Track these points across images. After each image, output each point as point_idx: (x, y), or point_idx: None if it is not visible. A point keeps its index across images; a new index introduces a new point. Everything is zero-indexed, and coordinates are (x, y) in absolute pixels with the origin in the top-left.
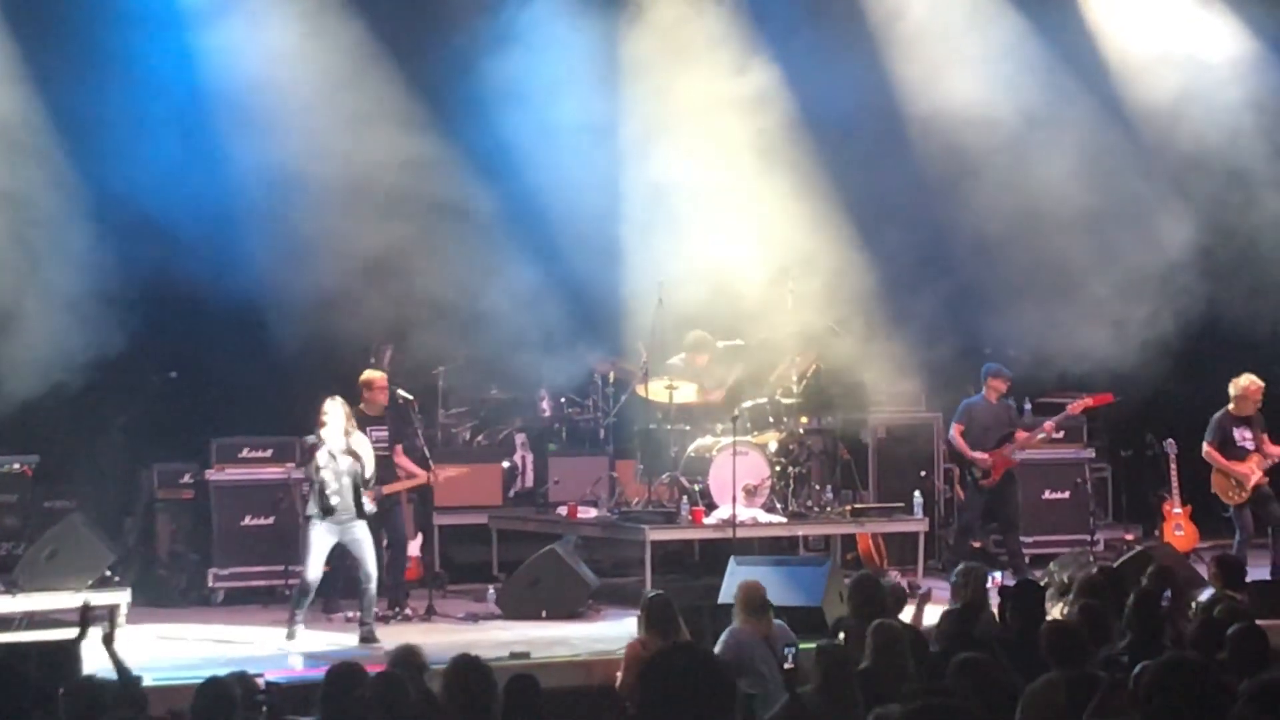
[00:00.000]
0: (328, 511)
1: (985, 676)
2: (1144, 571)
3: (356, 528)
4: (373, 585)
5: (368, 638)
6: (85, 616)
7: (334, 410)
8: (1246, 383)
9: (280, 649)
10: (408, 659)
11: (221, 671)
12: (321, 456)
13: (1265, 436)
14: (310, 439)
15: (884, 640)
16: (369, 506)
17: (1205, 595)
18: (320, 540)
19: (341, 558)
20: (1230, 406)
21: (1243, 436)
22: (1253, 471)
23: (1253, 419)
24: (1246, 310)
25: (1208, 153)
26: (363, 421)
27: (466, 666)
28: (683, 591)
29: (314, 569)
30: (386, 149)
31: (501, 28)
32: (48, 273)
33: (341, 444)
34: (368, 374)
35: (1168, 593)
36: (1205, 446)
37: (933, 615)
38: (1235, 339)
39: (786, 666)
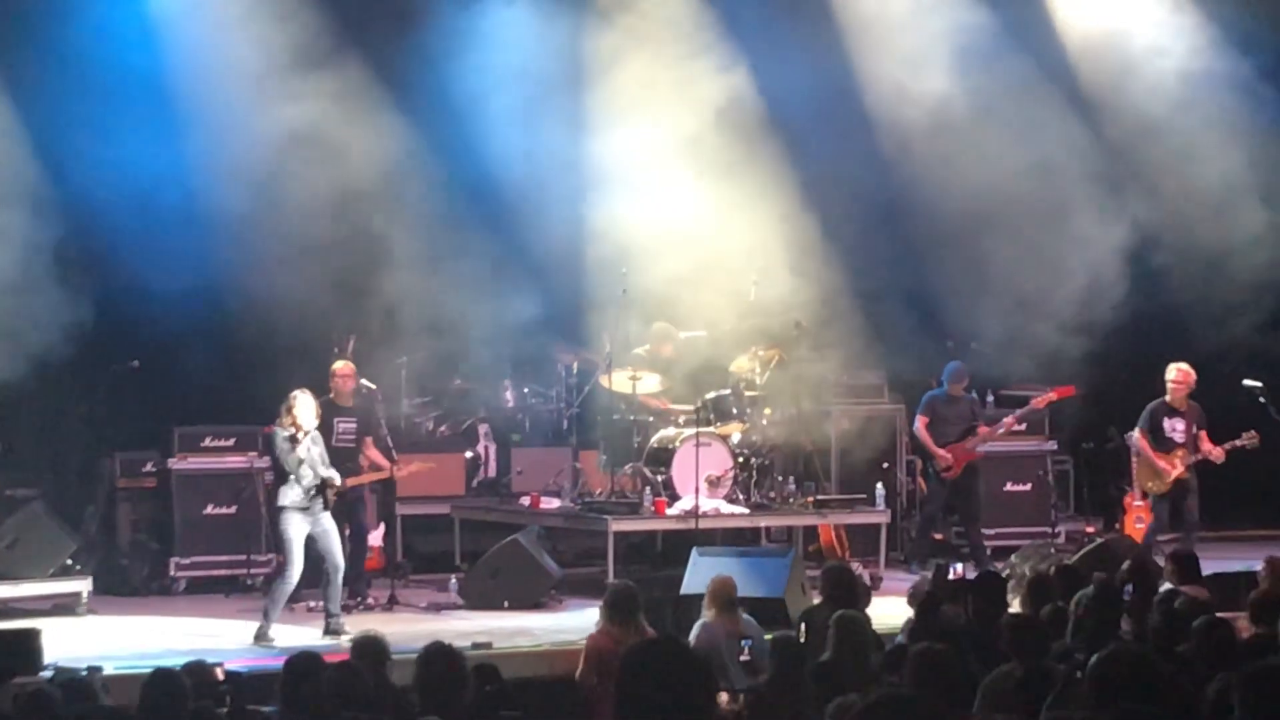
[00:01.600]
0: (313, 497)
1: (942, 667)
2: (1102, 564)
3: (325, 518)
4: (340, 576)
5: (336, 630)
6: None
7: (305, 400)
8: (1174, 372)
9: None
10: (369, 647)
11: (180, 661)
12: (301, 447)
13: (1204, 433)
14: (283, 432)
15: (847, 631)
16: (332, 497)
17: (1165, 588)
18: (300, 533)
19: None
20: (1165, 396)
21: (1173, 428)
22: (1174, 466)
23: (1189, 412)
24: (1209, 302)
25: (1158, 136)
26: (332, 412)
27: (440, 654)
28: (645, 582)
29: (299, 564)
30: (346, 138)
31: (465, 16)
32: (6, 261)
33: (312, 430)
34: (337, 364)
35: (1129, 587)
36: (1135, 434)
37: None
38: (1199, 331)
39: (743, 659)
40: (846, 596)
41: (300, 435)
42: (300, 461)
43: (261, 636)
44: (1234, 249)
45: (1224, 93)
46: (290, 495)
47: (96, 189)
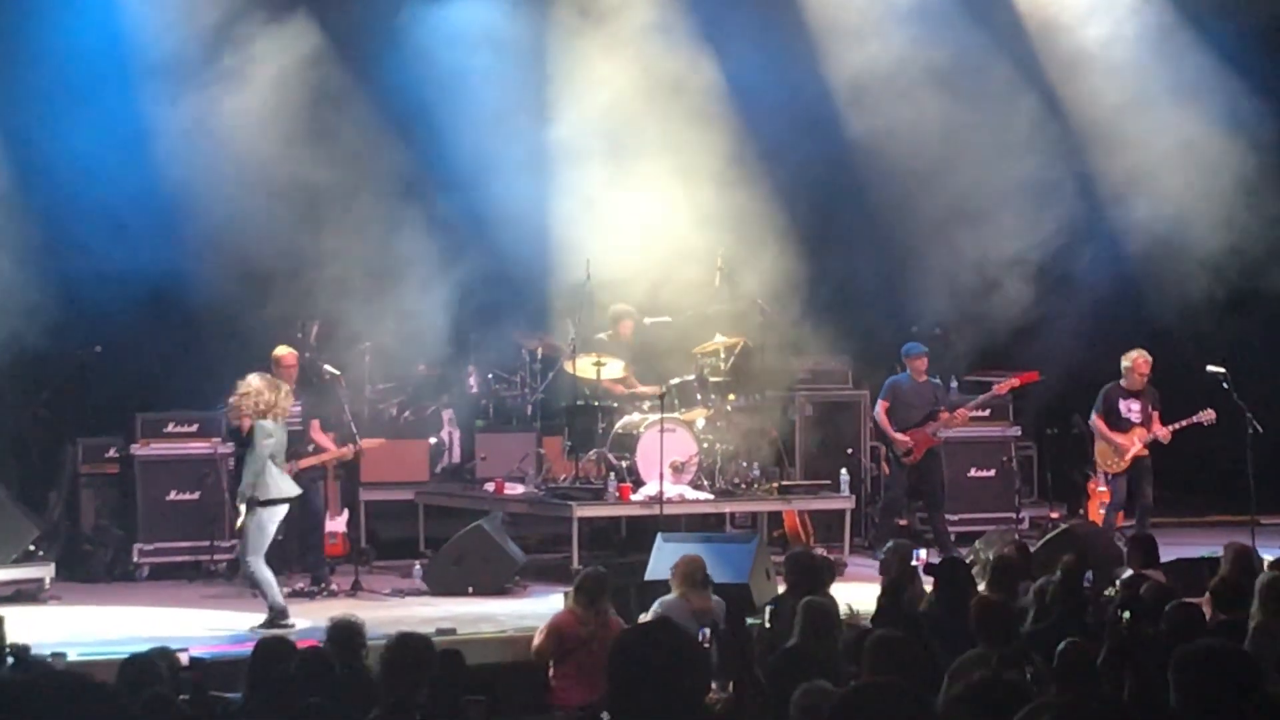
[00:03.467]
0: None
1: (899, 654)
2: (1066, 550)
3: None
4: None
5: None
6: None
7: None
8: (1135, 356)
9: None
10: (344, 632)
11: (144, 647)
12: (270, 439)
13: (1156, 414)
14: (268, 423)
15: (813, 617)
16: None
17: (1127, 574)
18: (274, 523)
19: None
20: (1121, 380)
21: (1128, 409)
22: (1132, 443)
23: (1143, 393)
24: (1173, 287)
25: (1122, 119)
26: None
27: (407, 642)
28: (610, 568)
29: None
30: (307, 123)
31: (434, 4)
32: None
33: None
34: (277, 350)
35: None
36: (1092, 416)
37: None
38: (1161, 317)
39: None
40: (811, 582)
41: (274, 420)
42: (272, 454)
43: (279, 617)
44: (1198, 233)
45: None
46: (261, 489)
47: (54, 172)
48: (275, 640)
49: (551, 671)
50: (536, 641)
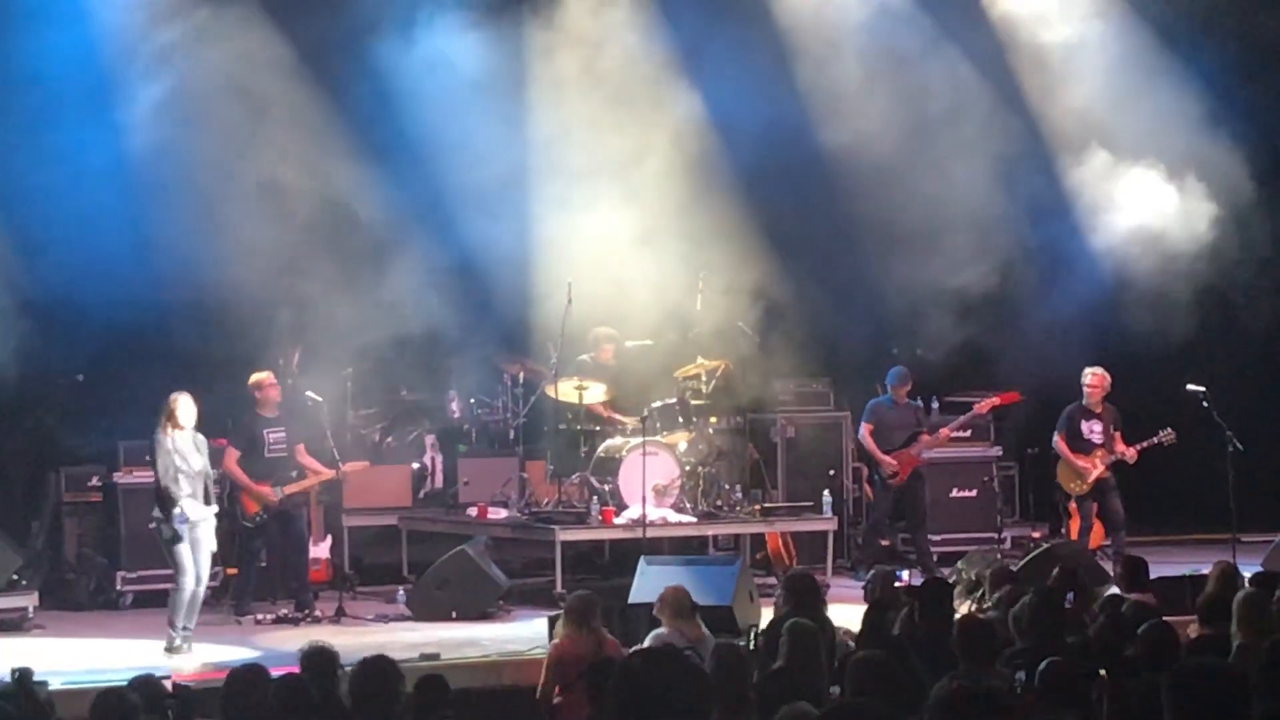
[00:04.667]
0: (184, 514)
1: (882, 675)
2: (1048, 569)
3: (201, 527)
4: (203, 589)
5: (177, 648)
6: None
7: (186, 406)
8: (1089, 375)
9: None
10: (319, 659)
11: (127, 676)
12: (176, 457)
13: (1118, 434)
14: (168, 440)
15: (799, 639)
16: (213, 504)
17: (1110, 591)
18: (187, 543)
19: (254, 559)
20: (1083, 399)
21: (1090, 429)
22: (1094, 466)
23: (1104, 414)
24: (1156, 308)
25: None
26: (261, 424)
27: (374, 667)
28: (593, 592)
29: (192, 570)
30: (290, 147)
31: (410, 31)
32: None
33: (189, 439)
34: (256, 376)
35: (1070, 594)
36: (1055, 437)
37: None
38: (1144, 338)
39: None
40: (811, 604)
41: (181, 442)
42: (179, 472)
43: (171, 649)
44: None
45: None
46: (176, 513)
47: (31, 201)
48: (250, 669)
49: (558, 699)
50: (542, 680)
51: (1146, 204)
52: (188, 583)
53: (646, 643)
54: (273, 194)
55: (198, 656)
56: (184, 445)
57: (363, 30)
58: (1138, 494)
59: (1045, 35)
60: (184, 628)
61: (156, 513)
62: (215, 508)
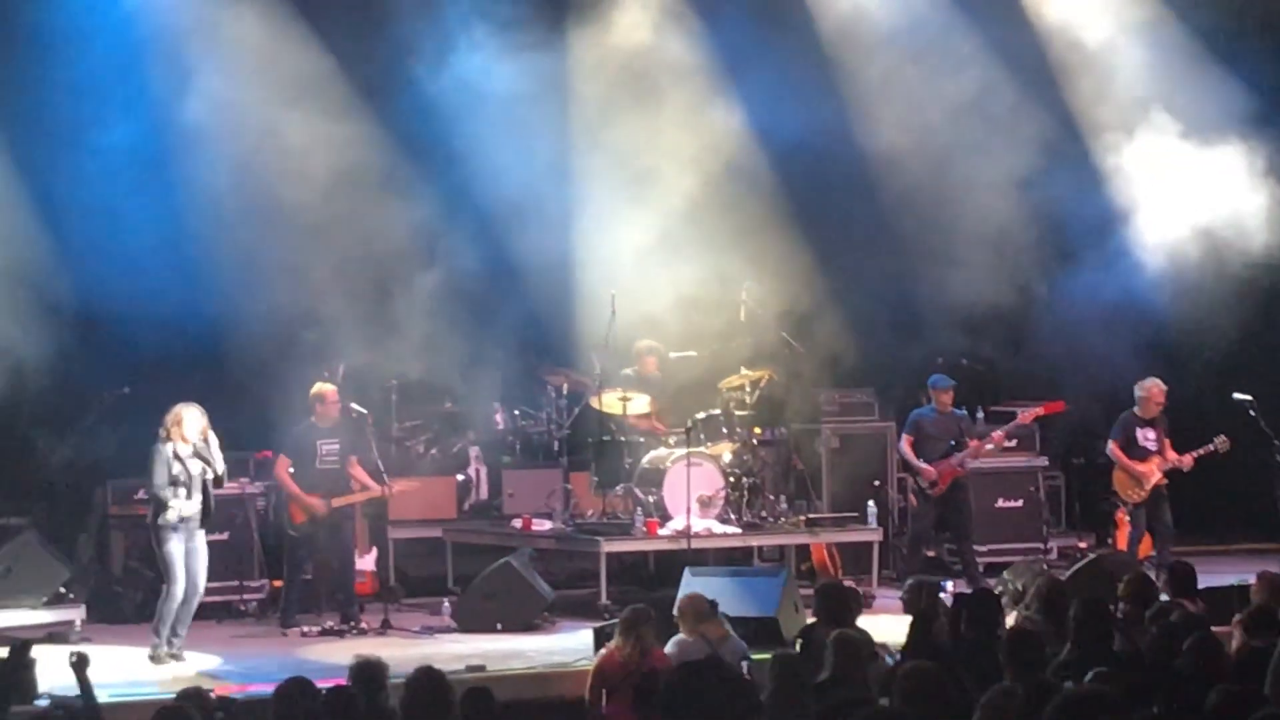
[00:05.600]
0: (188, 516)
1: (930, 686)
2: (1095, 580)
3: (199, 536)
4: (197, 599)
5: (176, 655)
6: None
7: (192, 417)
8: (1149, 385)
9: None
10: (367, 671)
11: (172, 689)
12: (175, 465)
13: (1169, 442)
14: (166, 448)
15: (844, 650)
16: (208, 513)
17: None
18: (180, 550)
19: (300, 571)
20: (1136, 408)
21: (1145, 437)
22: (1152, 472)
23: (1157, 421)
24: (1200, 317)
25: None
26: (315, 434)
27: (426, 679)
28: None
29: (183, 580)
30: (334, 162)
31: (450, 43)
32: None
33: (190, 450)
34: (319, 387)
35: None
36: (1110, 444)
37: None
38: (1186, 347)
39: None
40: (841, 613)
41: (180, 453)
42: (175, 480)
43: (156, 657)
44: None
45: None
46: (165, 515)
47: (80, 214)
48: (297, 681)
49: (604, 708)
50: (587, 687)
51: (1194, 209)
52: (177, 591)
53: (666, 649)
54: (321, 211)
55: (192, 665)
56: (185, 454)
57: (405, 43)
58: (1185, 503)
59: (1087, 38)
60: (174, 636)
61: (149, 519)
62: (199, 514)
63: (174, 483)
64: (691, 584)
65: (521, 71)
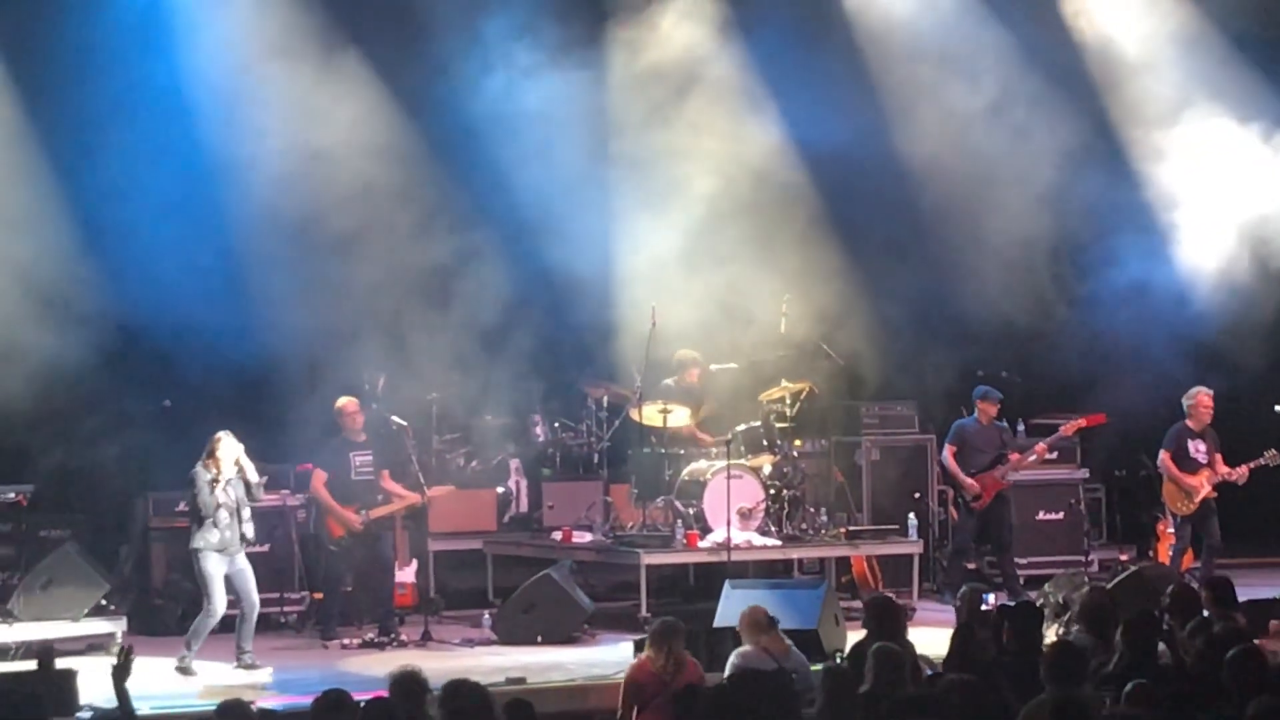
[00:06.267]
0: (229, 539)
1: (973, 698)
2: (1137, 592)
3: (240, 558)
4: (254, 615)
5: (249, 665)
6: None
7: (230, 444)
8: (1197, 394)
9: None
10: (408, 683)
11: (213, 701)
12: (220, 492)
13: (1219, 455)
14: (205, 474)
15: (885, 662)
16: (251, 535)
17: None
18: (219, 571)
19: (340, 583)
20: (1187, 419)
21: (1196, 449)
22: (1202, 485)
23: (1207, 433)
24: (1243, 325)
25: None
26: (349, 447)
27: (461, 689)
28: (678, 616)
29: (221, 600)
30: (373, 174)
31: (488, 55)
32: (43, 300)
33: (231, 474)
34: (340, 401)
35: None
36: (1161, 455)
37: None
38: (1233, 359)
39: None
40: (891, 627)
41: (220, 478)
42: (218, 505)
43: (183, 669)
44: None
45: None
46: (206, 538)
47: (123, 228)
48: (336, 694)
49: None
50: (620, 700)
51: (1235, 214)
52: (215, 609)
53: (730, 661)
54: (358, 220)
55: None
56: (222, 480)
57: (447, 58)
58: (1225, 516)
59: (1126, 46)
60: (242, 652)
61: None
62: (252, 536)
63: (218, 507)
64: (732, 596)
65: (559, 82)
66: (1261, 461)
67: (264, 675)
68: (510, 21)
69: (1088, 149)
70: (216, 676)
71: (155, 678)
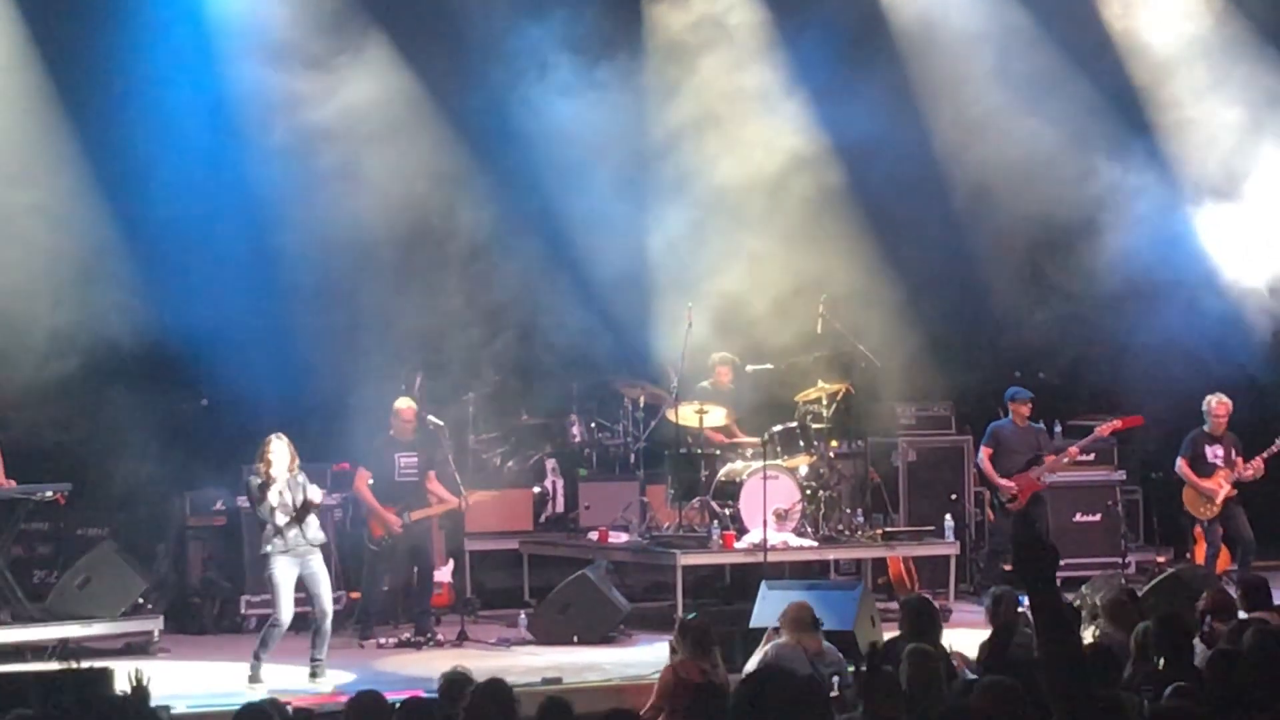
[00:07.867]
0: (296, 540)
1: (1009, 701)
2: (1174, 595)
3: (314, 560)
4: (328, 622)
5: (316, 673)
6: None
7: (279, 447)
8: (1214, 402)
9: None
10: (460, 684)
11: (254, 698)
12: (273, 494)
13: (1240, 459)
14: (256, 479)
15: (920, 664)
16: (319, 536)
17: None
18: (287, 576)
19: (378, 583)
20: (1205, 425)
21: (1213, 454)
22: (1220, 486)
23: (1225, 437)
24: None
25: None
26: (394, 448)
27: (490, 691)
28: (714, 616)
29: (288, 607)
30: (412, 176)
31: (534, 71)
32: (81, 300)
33: (284, 476)
34: (399, 402)
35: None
36: (1179, 461)
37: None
38: (1264, 361)
39: (833, 695)
40: (928, 628)
41: (271, 481)
42: (273, 508)
43: (253, 678)
44: None
45: None
46: (272, 541)
47: (160, 225)
48: (371, 695)
49: None
50: (651, 701)
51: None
52: (281, 617)
53: (764, 649)
54: (397, 221)
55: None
56: (278, 483)
57: (483, 63)
58: (1259, 517)
59: (1167, 47)
60: (314, 660)
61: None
62: (322, 537)
63: (272, 509)
64: (768, 597)
65: (597, 85)
66: (1275, 449)
67: (324, 685)
68: (548, 31)
69: (1131, 150)
70: (284, 682)
71: (192, 676)
